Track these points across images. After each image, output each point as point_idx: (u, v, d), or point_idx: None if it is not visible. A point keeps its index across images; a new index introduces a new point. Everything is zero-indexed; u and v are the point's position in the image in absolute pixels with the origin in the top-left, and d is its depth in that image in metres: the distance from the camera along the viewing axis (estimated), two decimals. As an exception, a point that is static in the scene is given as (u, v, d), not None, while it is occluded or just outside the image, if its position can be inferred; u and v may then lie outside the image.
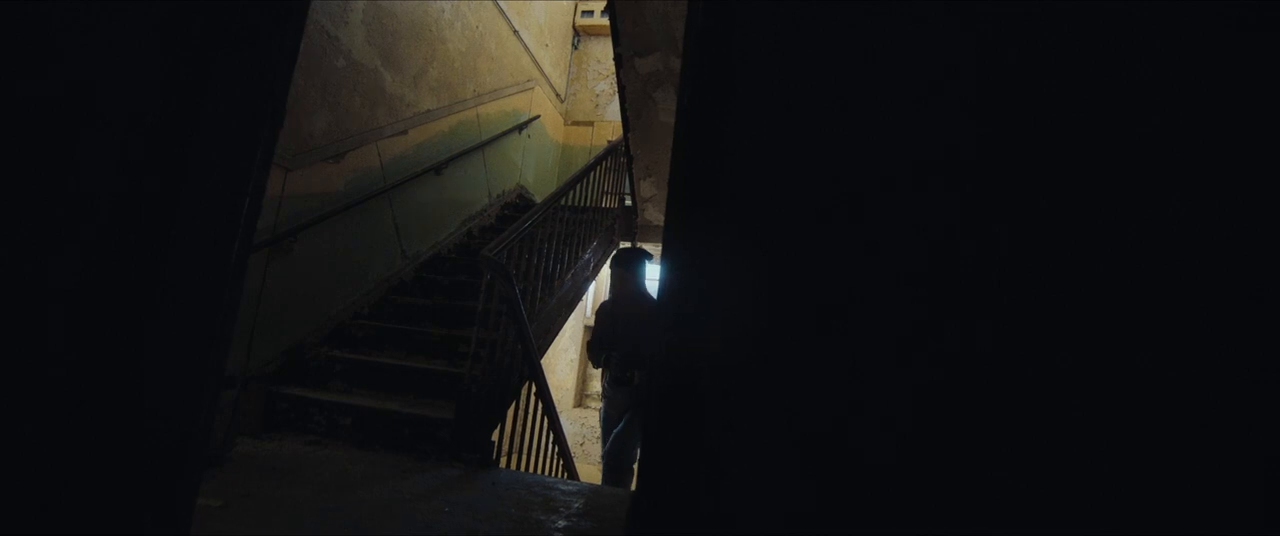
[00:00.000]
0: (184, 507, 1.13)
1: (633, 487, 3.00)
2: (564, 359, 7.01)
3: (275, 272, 3.01)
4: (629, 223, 5.25)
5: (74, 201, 0.96)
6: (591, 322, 7.19)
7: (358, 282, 3.70)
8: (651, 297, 3.38)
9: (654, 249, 6.80)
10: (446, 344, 3.35)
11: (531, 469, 3.09)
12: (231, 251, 1.12)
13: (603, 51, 7.33)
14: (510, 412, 2.97)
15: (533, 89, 6.19)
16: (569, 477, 3.46)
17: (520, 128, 5.82)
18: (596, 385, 7.12)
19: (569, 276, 4.10)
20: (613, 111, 7.05)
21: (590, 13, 7.25)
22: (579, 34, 7.41)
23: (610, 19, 3.68)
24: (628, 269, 3.42)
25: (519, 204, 5.65)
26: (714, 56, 0.95)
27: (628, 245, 4.92)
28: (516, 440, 2.98)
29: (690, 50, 1.07)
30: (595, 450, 6.71)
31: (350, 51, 3.44)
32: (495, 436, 2.85)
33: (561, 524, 2.04)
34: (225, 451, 2.24)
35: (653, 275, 4.32)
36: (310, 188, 3.21)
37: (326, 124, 3.31)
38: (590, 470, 6.44)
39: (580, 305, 5.21)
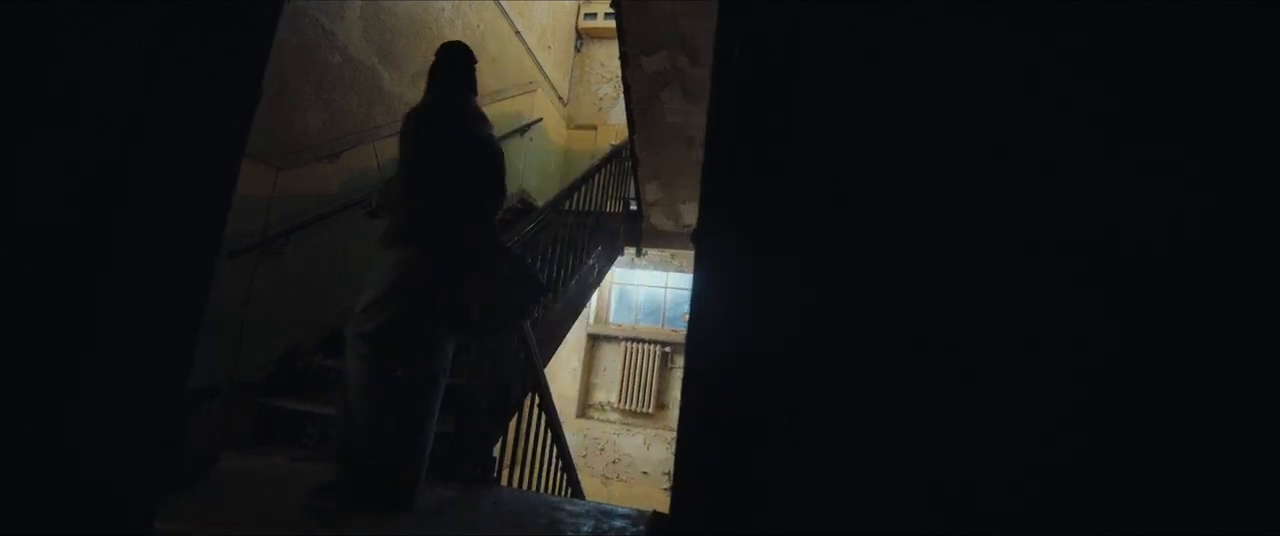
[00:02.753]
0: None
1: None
2: (566, 368, 6.87)
3: (265, 276, 2.87)
4: (634, 227, 5.12)
5: None
6: (595, 330, 7.08)
7: (353, 287, 3.56)
8: (490, 155, 2.10)
9: (660, 255, 6.67)
10: (445, 352, 3.21)
11: (534, 484, 2.95)
12: (190, 251, 0.99)
13: (605, 54, 7.22)
14: (512, 425, 2.82)
15: (535, 91, 6.08)
16: (574, 494, 3.31)
17: (522, 130, 5.71)
18: (600, 395, 6.96)
19: (573, 282, 3.97)
20: (615, 115, 6.94)
21: (593, 15, 7.15)
22: (582, 36, 7.31)
23: (616, 16, 3.57)
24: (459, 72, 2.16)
25: (520, 208, 5.52)
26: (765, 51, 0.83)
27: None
28: (519, 452, 2.83)
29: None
30: (598, 462, 6.55)
31: (346, 47, 3.33)
32: (496, 450, 2.71)
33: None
34: (207, 468, 2.10)
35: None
36: (304, 188, 3.08)
37: (321, 122, 3.18)
38: (593, 484, 6.28)
39: (583, 312, 5.07)
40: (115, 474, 1.00)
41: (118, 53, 0.90)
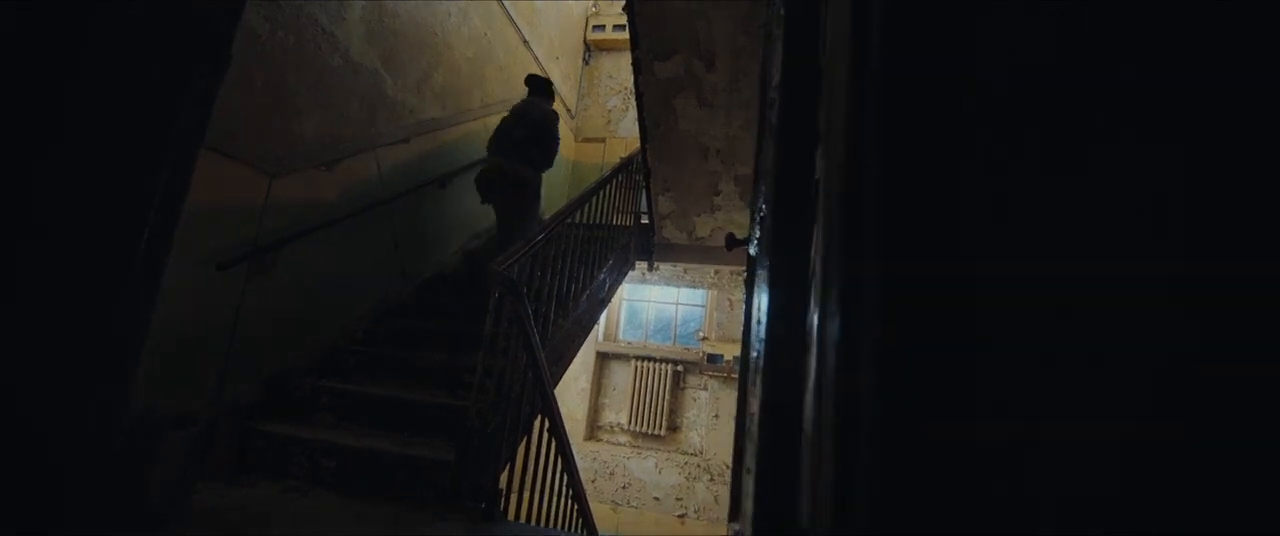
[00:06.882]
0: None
1: None
2: (574, 387, 6.62)
3: (255, 291, 2.67)
4: (645, 240, 4.92)
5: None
6: (604, 348, 6.84)
7: (351, 303, 3.36)
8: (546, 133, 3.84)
9: (672, 270, 6.47)
10: (449, 373, 2.99)
11: (542, 516, 2.71)
12: (132, 245, 0.78)
13: (614, 66, 7.09)
14: (519, 450, 2.60)
15: (542, 103, 5.92)
16: (585, 526, 3.06)
17: (529, 142, 5.53)
18: (610, 416, 6.71)
19: (583, 297, 3.75)
20: (624, 128, 6.78)
21: (602, 26, 7.03)
22: (590, 48, 7.19)
23: (628, 19, 3.40)
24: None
25: (527, 222, 5.34)
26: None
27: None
28: (526, 480, 2.60)
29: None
30: (607, 487, 6.27)
31: (347, 50, 3.16)
32: (502, 480, 2.48)
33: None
34: (178, 502, 1.88)
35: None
36: (299, 197, 2.90)
37: (318, 127, 3.01)
38: (602, 510, 6.00)
39: (593, 329, 4.84)
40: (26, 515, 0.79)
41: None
